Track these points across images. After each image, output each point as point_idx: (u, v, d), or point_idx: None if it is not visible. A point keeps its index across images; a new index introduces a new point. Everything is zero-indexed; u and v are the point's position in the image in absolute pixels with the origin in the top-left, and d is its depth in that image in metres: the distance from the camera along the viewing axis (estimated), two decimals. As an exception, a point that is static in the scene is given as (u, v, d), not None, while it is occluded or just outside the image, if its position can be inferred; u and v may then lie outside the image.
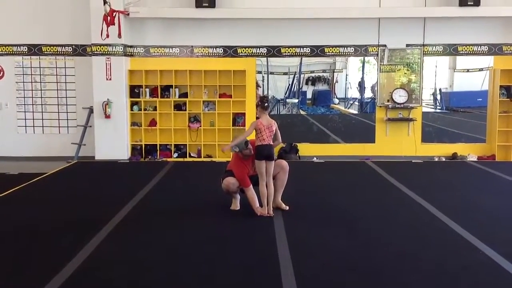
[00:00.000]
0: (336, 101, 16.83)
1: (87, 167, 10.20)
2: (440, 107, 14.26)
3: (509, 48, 11.29)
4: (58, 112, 11.64)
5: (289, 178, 6.48)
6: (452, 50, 11.46)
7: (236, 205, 6.45)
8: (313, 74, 17.13)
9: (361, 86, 14.88)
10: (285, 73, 15.02)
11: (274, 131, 6.21)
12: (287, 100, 15.02)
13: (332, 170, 9.87)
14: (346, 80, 16.75)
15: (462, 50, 11.45)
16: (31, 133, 11.66)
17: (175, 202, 7.03)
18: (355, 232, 5.54)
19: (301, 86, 16.06)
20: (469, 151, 11.45)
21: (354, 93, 16.29)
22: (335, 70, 17.11)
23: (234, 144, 6.26)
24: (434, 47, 11.41)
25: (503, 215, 6.26)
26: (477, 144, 11.77)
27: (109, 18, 10.32)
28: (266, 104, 6.24)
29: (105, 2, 10.21)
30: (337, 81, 16.98)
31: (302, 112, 15.27)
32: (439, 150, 11.57)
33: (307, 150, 11.70)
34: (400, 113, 11.54)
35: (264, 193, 6.14)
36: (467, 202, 6.99)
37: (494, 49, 11.33)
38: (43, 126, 11.65)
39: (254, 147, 6.19)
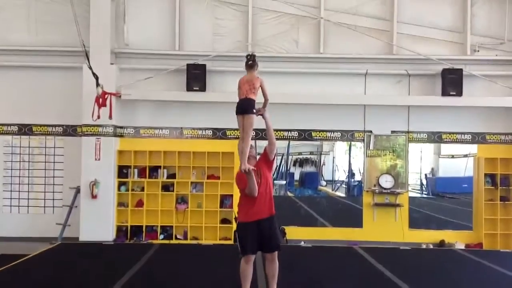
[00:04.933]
0: (324, 183, 16.99)
1: (71, 250, 9.99)
2: (426, 192, 14.43)
3: (492, 137, 11.57)
4: (45, 192, 11.59)
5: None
6: (436, 137, 11.72)
7: None
8: (300, 156, 17.39)
9: (349, 169, 15.07)
10: (272, 154, 15.16)
11: (257, 87, 5.96)
12: (274, 181, 15.10)
13: (320, 256, 9.73)
14: (333, 162, 17.01)
15: (446, 138, 11.71)
16: (15, 212, 11.54)
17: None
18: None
19: (288, 167, 16.22)
20: (456, 239, 11.42)
21: (341, 175, 16.49)
22: (322, 153, 17.40)
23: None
24: (418, 134, 11.67)
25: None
26: (464, 231, 11.76)
27: (101, 100, 10.44)
28: (250, 63, 6.07)
29: (97, 85, 10.37)
30: (324, 164, 17.23)
31: (289, 194, 15.32)
32: (427, 237, 11.53)
33: (295, 233, 11.61)
34: (387, 198, 11.60)
35: (239, 148, 5.89)
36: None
37: (478, 138, 11.60)
38: (28, 206, 11.56)
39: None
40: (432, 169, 15.27)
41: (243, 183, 5.92)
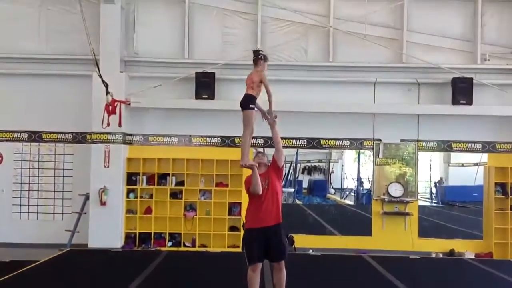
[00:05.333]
0: (332, 191, 16.93)
1: (79, 256, 9.99)
2: (436, 201, 14.32)
3: (503, 146, 11.50)
4: (54, 199, 11.68)
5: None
6: (446, 146, 11.66)
7: None
8: (309, 164, 17.36)
9: (357, 177, 15.02)
10: (281, 162, 15.15)
11: (255, 81, 6.00)
12: (283, 189, 15.07)
13: (328, 265, 9.68)
14: (342, 170, 16.97)
15: (456, 147, 11.65)
16: (25, 219, 11.63)
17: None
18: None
19: (297, 175, 16.18)
20: (466, 248, 11.35)
21: (350, 183, 16.43)
22: (331, 160, 17.36)
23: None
24: (428, 143, 11.63)
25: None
26: (474, 240, 11.69)
27: (110, 107, 10.50)
28: (254, 58, 6.17)
29: (107, 92, 10.44)
30: (333, 172, 17.19)
31: (298, 202, 15.28)
32: (436, 246, 11.46)
33: (303, 241, 11.52)
34: (396, 207, 11.53)
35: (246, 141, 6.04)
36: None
37: (488, 147, 11.53)
38: (37, 213, 11.64)
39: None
40: (441, 178, 15.20)
41: (249, 184, 5.98)
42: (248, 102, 5.99)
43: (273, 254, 5.98)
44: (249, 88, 6.03)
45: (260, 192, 5.92)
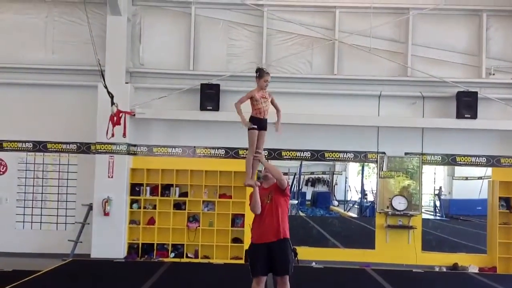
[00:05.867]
0: (336, 203, 16.89)
1: (82, 266, 10.01)
2: (439, 215, 14.27)
3: (507, 160, 11.46)
4: (57, 209, 11.66)
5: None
6: (450, 160, 11.63)
7: None
8: (313, 176, 17.33)
9: (361, 190, 14.97)
10: (284, 174, 15.13)
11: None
12: (286, 200, 15.02)
13: (331, 278, 9.66)
14: (345, 182, 16.94)
15: (460, 161, 11.62)
16: (28, 229, 11.60)
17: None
18: None
19: (300, 187, 16.16)
20: (470, 262, 11.27)
21: (353, 196, 16.40)
22: (334, 172, 17.34)
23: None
24: (432, 156, 11.59)
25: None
26: (478, 254, 11.60)
27: (115, 118, 10.51)
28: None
29: (112, 103, 10.45)
30: (336, 184, 17.15)
31: (301, 214, 15.23)
32: (440, 260, 11.38)
33: (306, 254, 11.46)
34: (400, 221, 11.49)
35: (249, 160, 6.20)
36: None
37: (492, 161, 11.50)
38: (41, 222, 11.62)
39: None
40: (440, 187, 15.13)
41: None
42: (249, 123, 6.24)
43: (277, 268, 5.99)
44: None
45: (259, 212, 6.02)
